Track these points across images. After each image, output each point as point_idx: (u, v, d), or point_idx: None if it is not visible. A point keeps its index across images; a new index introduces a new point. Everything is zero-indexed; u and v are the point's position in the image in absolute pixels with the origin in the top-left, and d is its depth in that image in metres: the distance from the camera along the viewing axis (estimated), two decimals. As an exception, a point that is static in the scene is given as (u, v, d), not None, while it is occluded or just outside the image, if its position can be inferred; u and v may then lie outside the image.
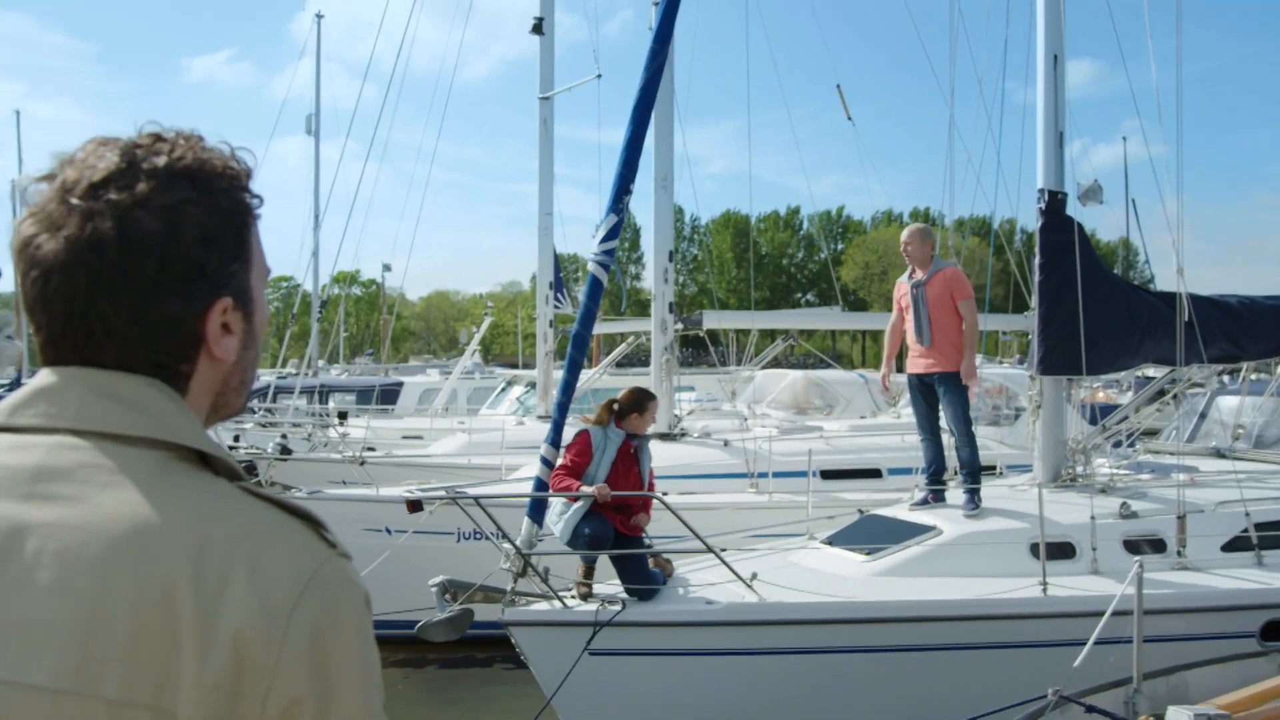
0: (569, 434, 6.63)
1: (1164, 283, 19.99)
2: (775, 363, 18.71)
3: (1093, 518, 6.59)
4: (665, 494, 6.39)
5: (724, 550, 6.41)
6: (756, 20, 38.12)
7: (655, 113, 7.17)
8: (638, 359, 19.54)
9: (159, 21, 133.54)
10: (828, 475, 9.76)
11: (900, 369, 8.41)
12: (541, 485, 6.49)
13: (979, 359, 11.63)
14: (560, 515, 6.36)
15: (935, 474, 7.68)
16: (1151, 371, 9.92)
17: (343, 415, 14.46)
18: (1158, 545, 6.82)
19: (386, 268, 39.90)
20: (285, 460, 10.99)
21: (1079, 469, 8.03)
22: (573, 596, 6.21)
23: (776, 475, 9.34)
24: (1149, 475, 8.18)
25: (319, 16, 31.03)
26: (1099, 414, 10.14)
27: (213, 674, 0.89)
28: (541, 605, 6.13)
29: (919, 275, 7.72)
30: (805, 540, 7.50)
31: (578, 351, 6.75)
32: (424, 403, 20.65)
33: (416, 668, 9.25)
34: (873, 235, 70.92)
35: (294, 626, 0.91)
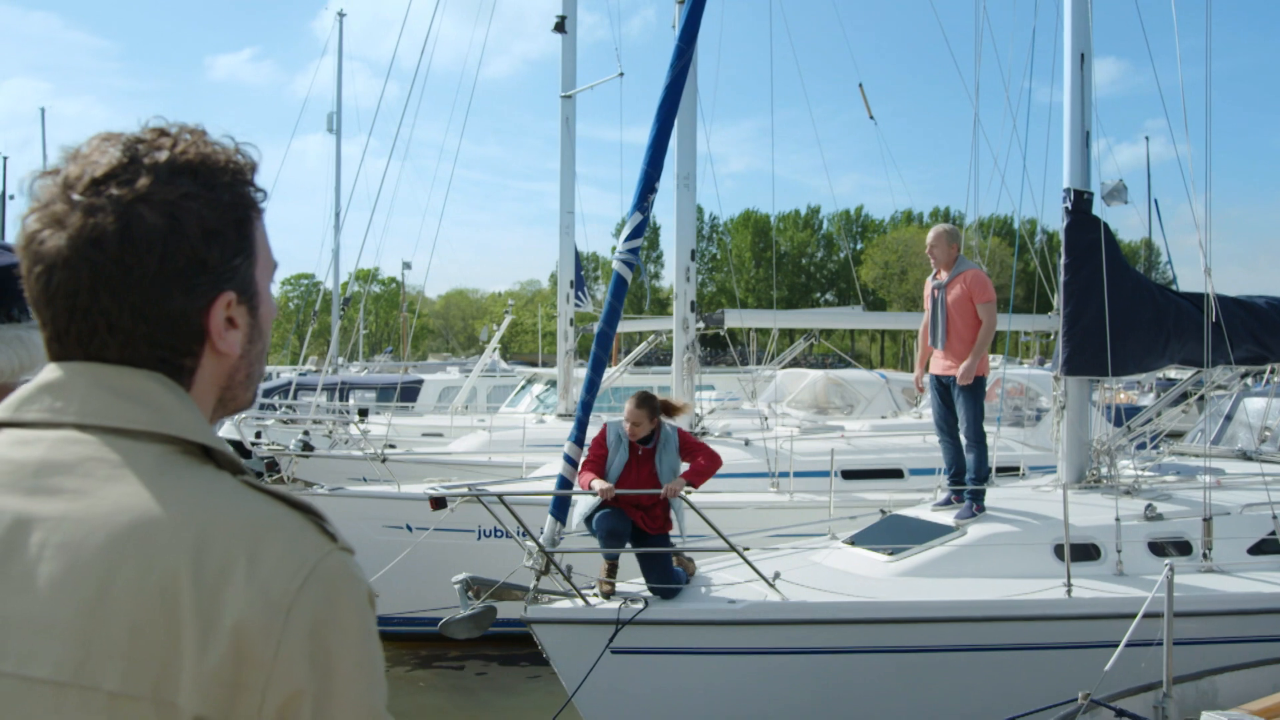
0: (592, 430, 6.64)
1: (1186, 283, 19.88)
2: (794, 362, 18.64)
3: (1117, 519, 6.55)
4: (689, 491, 6.36)
5: (746, 550, 6.41)
6: (779, 19, 38.01)
7: (679, 111, 7.16)
8: (657, 358, 19.53)
9: (182, 20, 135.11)
10: (849, 475, 9.74)
11: None
12: (565, 483, 6.50)
13: (999, 359, 11.59)
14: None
15: (957, 474, 7.65)
16: (1174, 373, 9.86)
17: (363, 412, 14.49)
18: (1183, 548, 6.78)
19: (406, 265, 39.76)
20: (307, 457, 11.07)
21: (1103, 470, 7.98)
22: (595, 594, 6.21)
23: (798, 475, 9.33)
24: (1174, 477, 8.13)
25: (341, 15, 31.26)
26: (1123, 415, 10.07)
27: (213, 666, 0.89)
28: (564, 603, 6.14)
29: (942, 277, 7.70)
30: (827, 540, 7.49)
31: (602, 349, 6.73)
32: (444, 400, 20.68)
33: (439, 664, 9.29)
34: (892, 235, 70.74)
35: (293, 619, 0.91)
